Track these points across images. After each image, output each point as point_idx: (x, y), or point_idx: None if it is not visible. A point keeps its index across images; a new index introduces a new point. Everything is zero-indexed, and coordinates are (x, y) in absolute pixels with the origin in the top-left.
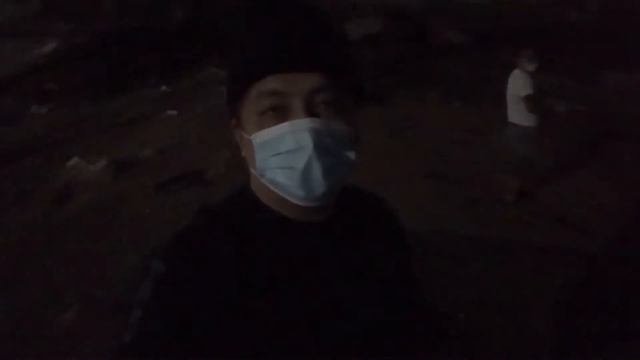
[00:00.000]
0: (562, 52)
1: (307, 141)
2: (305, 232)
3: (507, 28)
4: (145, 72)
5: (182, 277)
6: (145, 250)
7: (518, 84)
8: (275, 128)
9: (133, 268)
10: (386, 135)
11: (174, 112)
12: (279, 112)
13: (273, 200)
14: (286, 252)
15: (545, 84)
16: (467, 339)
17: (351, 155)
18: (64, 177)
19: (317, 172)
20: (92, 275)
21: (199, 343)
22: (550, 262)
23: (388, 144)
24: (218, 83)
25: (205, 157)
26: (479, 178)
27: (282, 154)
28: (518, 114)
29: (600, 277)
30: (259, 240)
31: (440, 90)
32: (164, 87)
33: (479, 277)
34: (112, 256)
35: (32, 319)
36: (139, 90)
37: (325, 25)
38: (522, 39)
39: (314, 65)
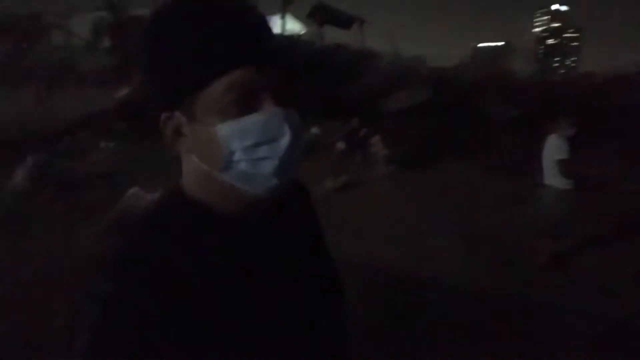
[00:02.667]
0: (610, 133)
1: (285, 130)
2: (246, 224)
3: (554, 105)
4: None
5: (131, 295)
6: None
7: (554, 148)
8: (250, 118)
9: None
10: (425, 198)
11: None
12: (246, 104)
13: (215, 197)
14: (231, 248)
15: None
16: None
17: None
18: (124, 204)
19: (291, 160)
20: None
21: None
22: (578, 325)
23: (427, 205)
24: None
25: None
26: (513, 241)
27: (257, 145)
28: (553, 177)
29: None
30: (204, 242)
31: (483, 160)
32: None
33: (501, 332)
34: None
35: None
36: None
37: (264, 17)
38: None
39: (277, 59)
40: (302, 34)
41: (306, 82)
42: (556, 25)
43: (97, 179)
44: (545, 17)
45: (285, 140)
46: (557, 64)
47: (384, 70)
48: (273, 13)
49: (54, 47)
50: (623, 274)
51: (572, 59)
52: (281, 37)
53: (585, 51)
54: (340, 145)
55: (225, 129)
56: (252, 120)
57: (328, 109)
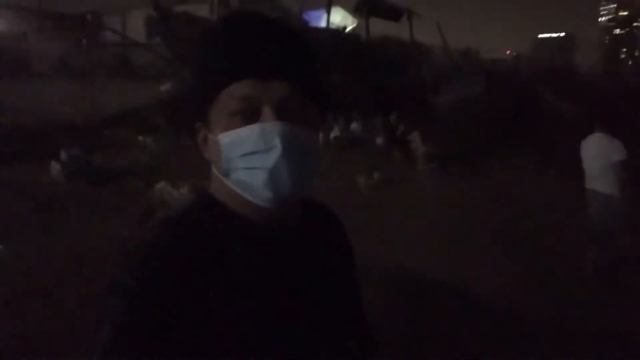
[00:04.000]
0: None
1: (277, 142)
2: (273, 237)
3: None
4: None
5: (154, 291)
6: None
7: (610, 149)
8: (245, 128)
9: None
10: (463, 198)
11: None
12: (249, 116)
13: (237, 204)
14: (256, 258)
15: None
16: None
17: (315, 159)
18: (152, 198)
19: (284, 172)
20: None
21: (175, 356)
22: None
23: (463, 207)
24: None
25: None
26: (559, 248)
27: (251, 155)
28: (599, 181)
29: None
30: (226, 245)
31: (538, 157)
32: None
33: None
34: None
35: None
36: None
37: (293, 37)
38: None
39: (283, 74)
40: (351, 28)
41: (349, 77)
42: (624, 13)
43: (131, 173)
44: (612, 5)
45: (275, 152)
46: (624, 55)
47: (432, 63)
48: (320, 7)
49: (110, 44)
50: None
51: None
52: (298, 50)
53: None
54: (380, 141)
55: (225, 138)
56: (248, 131)
57: (371, 103)
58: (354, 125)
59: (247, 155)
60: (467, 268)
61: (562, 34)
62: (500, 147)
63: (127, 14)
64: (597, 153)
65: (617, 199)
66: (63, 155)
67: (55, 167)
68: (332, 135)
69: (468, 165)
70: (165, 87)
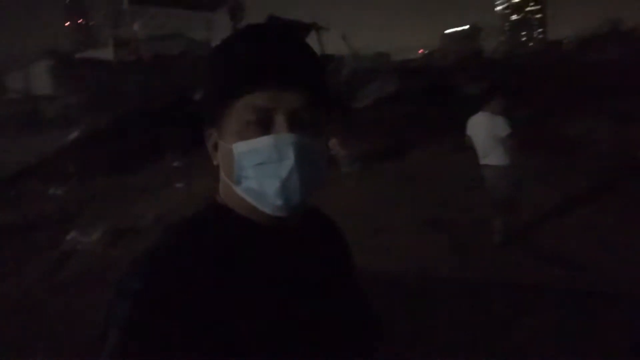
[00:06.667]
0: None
1: (290, 153)
2: (279, 239)
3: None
4: (161, 149)
5: (162, 294)
6: None
7: (495, 126)
8: (260, 139)
9: None
10: (388, 190)
11: (181, 185)
12: (262, 126)
13: (246, 210)
14: (263, 259)
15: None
16: None
17: (324, 168)
18: (63, 249)
19: (296, 183)
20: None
21: (183, 358)
22: (542, 302)
23: (389, 198)
24: None
25: None
26: (474, 223)
27: (264, 165)
28: (493, 155)
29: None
30: (234, 248)
31: (456, 140)
32: (176, 163)
33: (465, 320)
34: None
35: None
36: (152, 165)
37: (305, 50)
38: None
39: (296, 85)
40: None
41: None
42: (516, 0)
43: (42, 225)
44: None
45: (288, 163)
46: (524, 38)
47: (346, 72)
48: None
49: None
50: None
51: (539, 30)
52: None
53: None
54: None
55: (239, 147)
56: (262, 141)
57: None
58: None
59: (260, 165)
60: (394, 252)
61: (467, 27)
62: (418, 138)
63: (30, 66)
64: (485, 130)
65: (509, 168)
66: None
67: None
68: None
69: (390, 159)
70: (73, 135)
